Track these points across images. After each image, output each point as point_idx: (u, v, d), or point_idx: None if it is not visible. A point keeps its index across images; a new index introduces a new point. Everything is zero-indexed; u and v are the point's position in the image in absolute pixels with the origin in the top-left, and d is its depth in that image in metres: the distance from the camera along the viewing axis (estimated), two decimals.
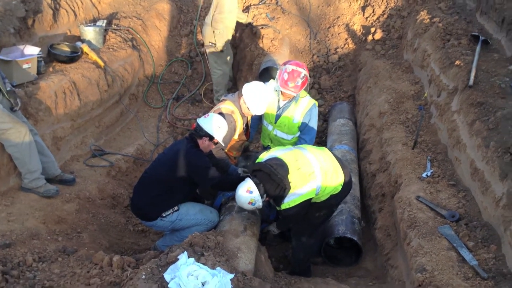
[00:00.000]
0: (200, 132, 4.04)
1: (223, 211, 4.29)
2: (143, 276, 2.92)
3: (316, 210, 3.95)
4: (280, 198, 3.62)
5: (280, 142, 4.75)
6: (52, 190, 4.46)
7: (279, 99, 4.62)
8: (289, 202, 3.63)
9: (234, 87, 7.89)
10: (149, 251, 3.76)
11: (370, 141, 5.80)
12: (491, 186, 3.80)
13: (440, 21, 6.36)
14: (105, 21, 6.86)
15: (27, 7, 5.40)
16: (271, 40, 7.80)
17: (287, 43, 8.05)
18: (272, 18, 8.22)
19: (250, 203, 3.66)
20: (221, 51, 7.14)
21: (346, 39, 8.18)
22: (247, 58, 7.79)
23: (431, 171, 4.54)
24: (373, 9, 8.20)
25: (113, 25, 7.09)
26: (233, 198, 4.31)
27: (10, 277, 3.07)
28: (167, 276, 2.94)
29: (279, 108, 4.65)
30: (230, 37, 7.28)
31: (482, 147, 4.07)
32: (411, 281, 3.53)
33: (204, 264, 3.06)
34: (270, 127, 4.80)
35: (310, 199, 3.72)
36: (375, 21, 8.14)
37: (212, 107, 5.16)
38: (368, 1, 8.32)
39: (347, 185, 3.95)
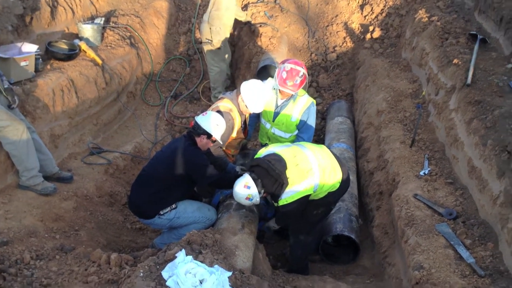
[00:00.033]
0: (198, 130, 4.05)
1: (221, 209, 4.29)
2: (141, 274, 2.92)
3: (314, 208, 3.96)
4: (278, 193, 3.62)
5: (278, 140, 4.75)
6: (50, 187, 4.45)
7: (277, 97, 4.62)
8: (286, 198, 3.63)
9: (232, 85, 7.87)
10: (147, 249, 3.77)
11: (368, 139, 5.81)
12: (489, 184, 3.81)
13: (438, 19, 6.37)
14: (103, 18, 6.84)
15: (25, 4, 5.39)
16: (270, 38, 7.79)
17: (286, 41, 8.04)
18: (270, 16, 8.21)
19: (248, 198, 3.66)
20: (218, 48, 7.13)
21: (344, 38, 8.17)
22: (245, 56, 7.78)
23: (429, 169, 4.55)
24: (372, 8, 8.20)
25: (111, 23, 7.07)
26: (231, 196, 4.30)
27: (8, 275, 3.07)
28: (165, 274, 2.94)
29: (277, 107, 4.65)
30: (228, 35, 7.26)
31: (479, 146, 4.08)
32: (409, 278, 3.53)
33: (202, 262, 3.06)
34: (268, 125, 4.80)
35: (308, 196, 3.72)
36: (373, 20, 8.13)
37: (210, 105, 5.16)
38: (367, 0, 8.32)
39: (345, 183, 3.96)
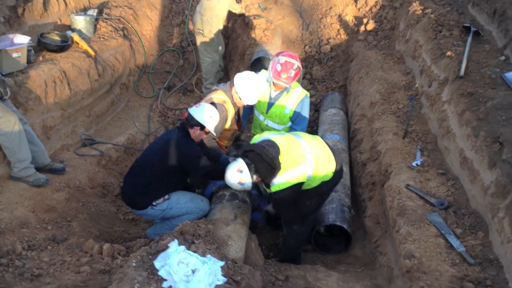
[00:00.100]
0: (192, 122, 4.04)
1: (214, 199, 4.30)
2: (134, 264, 2.92)
3: (307, 198, 3.96)
4: (270, 178, 3.62)
5: None
6: (42, 179, 4.44)
7: (270, 89, 4.61)
8: (279, 184, 3.62)
9: (225, 77, 7.87)
10: (139, 239, 3.77)
11: (361, 131, 5.82)
12: (480, 174, 3.84)
13: (432, 12, 6.37)
14: (96, 10, 6.80)
15: None
16: (263, 31, 7.77)
17: (279, 33, 8.03)
18: (264, 9, 8.18)
19: (240, 183, 3.65)
20: (211, 39, 7.10)
21: (338, 30, 8.17)
22: (239, 48, 7.76)
23: (421, 160, 4.57)
24: (366, 0, 8.19)
25: (104, 14, 7.03)
26: (224, 187, 4.32)
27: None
28: (157, 263, 2.94)
29: (270, 99, 4.65)
30: (221, 26, 7.23)
31: (471, 137, 4.10)
32: (399, 267, 3.56)
33: (194, 252, 3.06)
34: (261, 117, 4.80)
35: (301, 184, 3.73)
36: (367, 12, 8.13)
37: (203, 97, 5.15)
38: None
39: (338, 173, 3.97)
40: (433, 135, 4.96)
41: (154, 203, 4.08)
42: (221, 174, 3.93)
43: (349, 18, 8.20)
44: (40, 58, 5.39)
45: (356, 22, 8.11)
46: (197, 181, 4.62)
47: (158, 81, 7.76)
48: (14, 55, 4.81)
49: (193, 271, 2.88)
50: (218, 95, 4.51)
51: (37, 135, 4.67)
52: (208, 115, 4.06)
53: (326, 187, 3.96)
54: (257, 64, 6.90)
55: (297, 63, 4.39)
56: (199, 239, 3.28)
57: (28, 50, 5.08)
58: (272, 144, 3.63)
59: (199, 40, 7.19)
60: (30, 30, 5.69)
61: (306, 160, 3.64)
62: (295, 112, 4.62)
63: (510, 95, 4.33)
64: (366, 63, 6.85)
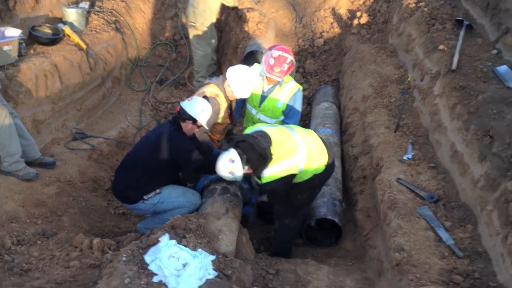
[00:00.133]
0: (184, 115, 4.04)
1: (206, 193, 4.29)
2: (124, 259, 2.92)
3: (298, 192, 3.97)
4: (262, 169, 3.62)
5: None
6: (32, 173, 4.42)
7: (263, 83, 4.60)
8: (270, 175, 3.62)
9: (218, 70, 7.83)
10: (130, 233, 3.76)
11: (353, 125, 5.83)
12: (470, 168, 3.86)
13: (425, 5, 6.35)
14: (87, 3, 6.76)
15: None
16: (257, 24, 7.73)
17: (273, 27, 7.99)
18: (257, 2, 8.13)
19: (231, 172, 3.64)
20: (203, 31, 7.05)
21: (331, 23, 8.13)
22: (232, 42, 7.72)
23: (412, 153, 4.58)
24: None
25: (96, 7, 6.97)
26: (215, 181, 4.31)
27: None
28: (147, 258, 2.94)
29: (263, 92, 4.64)
30: (213, 19, 7.18)
31: (462, 130, 4.12)
32: (389, 260, 3.58)
33: (185, 246, 3.06)
34: (253, 111, 4.79)
35: (293, 176, 3.73)
36: (361, 5, 8.10)
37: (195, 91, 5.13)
38: None
39: (330, 167, 3.98)
40: (425, 129, 4.97)
41: (145, 197, 4.07)
42: (213, 168, 3.92)
43: (343, 11, 8.16)
44: (31, 51, 5.35)
45: (349, 16, 8.08)
46: (189, 175, 4.62)
47: (151, 74, 7.72)
48: (5, 48, 4.77)
49: (184, 265, 2.89)
50: (211, 89, 4.49)
51: (28, 129, 4.63)
52: (201, 109, 4.05)
53: (318, 180, 3.96)
54: (250, 58, 6.86)
55: (290, 57, 4.38)
56: (190, 233, 3.29)
57: (19, 43, 5.03)
58: (264, 134, 3.63)
59: (191, 33, 7.14)
60: (22, 23, 5.63)
61: (298, 152, 3.64)
62: (287, 106, 4.61)
63: (501, 89, 4.34)
64: (359, 57, 6.84)
